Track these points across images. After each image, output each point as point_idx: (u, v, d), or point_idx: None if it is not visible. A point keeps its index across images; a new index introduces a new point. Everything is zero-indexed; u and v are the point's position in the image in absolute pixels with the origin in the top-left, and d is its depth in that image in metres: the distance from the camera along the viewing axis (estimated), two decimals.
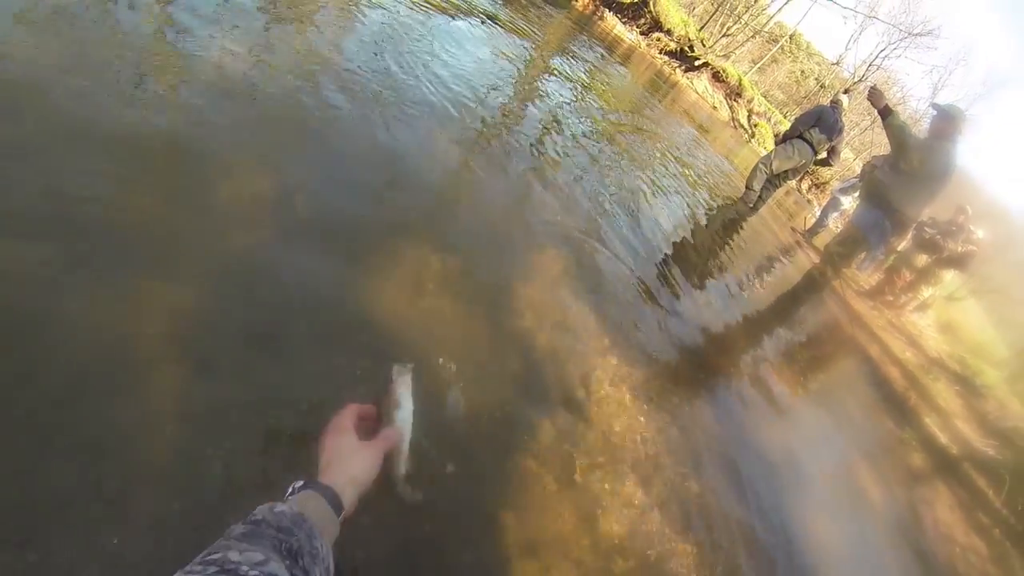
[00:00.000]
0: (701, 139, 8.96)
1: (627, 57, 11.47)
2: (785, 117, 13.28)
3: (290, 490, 0.69)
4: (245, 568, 0.43)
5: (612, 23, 13.49)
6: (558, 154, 3.77)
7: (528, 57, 5.33)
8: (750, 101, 14.24)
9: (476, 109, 3.37)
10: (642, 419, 2.04)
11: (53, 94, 1.44)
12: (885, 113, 4.35)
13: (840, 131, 6.46)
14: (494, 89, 3.88)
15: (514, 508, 1.37)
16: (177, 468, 0.95)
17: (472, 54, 4.15)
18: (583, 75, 6.42)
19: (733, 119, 13.95)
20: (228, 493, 0.96)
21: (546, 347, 1.99)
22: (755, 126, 13.91)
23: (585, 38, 9.16)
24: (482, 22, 5.12)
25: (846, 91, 7.82)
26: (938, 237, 7.07)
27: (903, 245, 7.07)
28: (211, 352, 1.15)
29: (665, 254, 3.60)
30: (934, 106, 4.54)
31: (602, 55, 8.56)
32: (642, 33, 13.91)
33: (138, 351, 1.06)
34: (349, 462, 0.73)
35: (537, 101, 4.42)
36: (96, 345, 1.03)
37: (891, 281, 7.64)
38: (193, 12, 2.21)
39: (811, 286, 5.27)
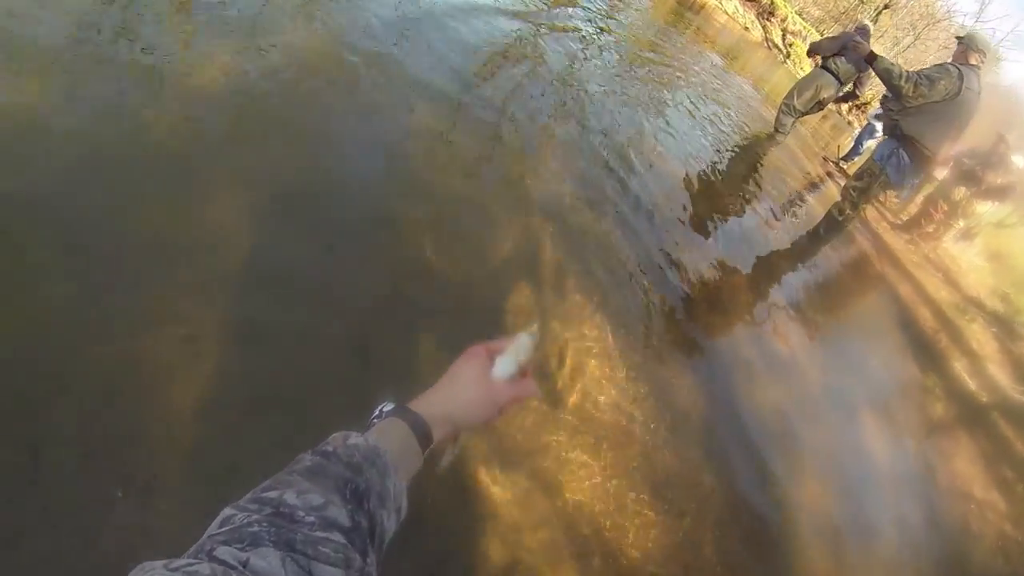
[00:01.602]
0: (727, 68, 8.41)
1: None
2: (821, 35, 12.25)
3: (377, 412, 0.63)
4: (301, 513, 0.40)
5: None
6: (570, 102, 3.64)
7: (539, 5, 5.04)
8: (784, 20, 13.17)
9: (480, 73, 3.29)
10: (633, 380, 2.01)
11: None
12: (871, 59, 4.31)
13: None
14: (496, 52, 3.71)
15: (484, 489, 1.39)
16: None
17: (472, 21, 3.92)
18: (597, 14, 6.05)
19: (766, 39, 12.97)
20: None
21: (532, 302, 1.99)
22: (790, 46, 12.93)
23: None
24: None
25: (887, 5, 7.15)
26: (977, 168, 6.69)
27: (942, 175, 6.68)
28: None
29: (679, 198, 3.47)
30: (957, 36, 4.33)
31: None
32: None
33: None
34: (457, 395, 0.61)
35: (549, 52, 4.22)
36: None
37: (927, 213, 7.20)
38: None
39: (835, 223, 5.03)
